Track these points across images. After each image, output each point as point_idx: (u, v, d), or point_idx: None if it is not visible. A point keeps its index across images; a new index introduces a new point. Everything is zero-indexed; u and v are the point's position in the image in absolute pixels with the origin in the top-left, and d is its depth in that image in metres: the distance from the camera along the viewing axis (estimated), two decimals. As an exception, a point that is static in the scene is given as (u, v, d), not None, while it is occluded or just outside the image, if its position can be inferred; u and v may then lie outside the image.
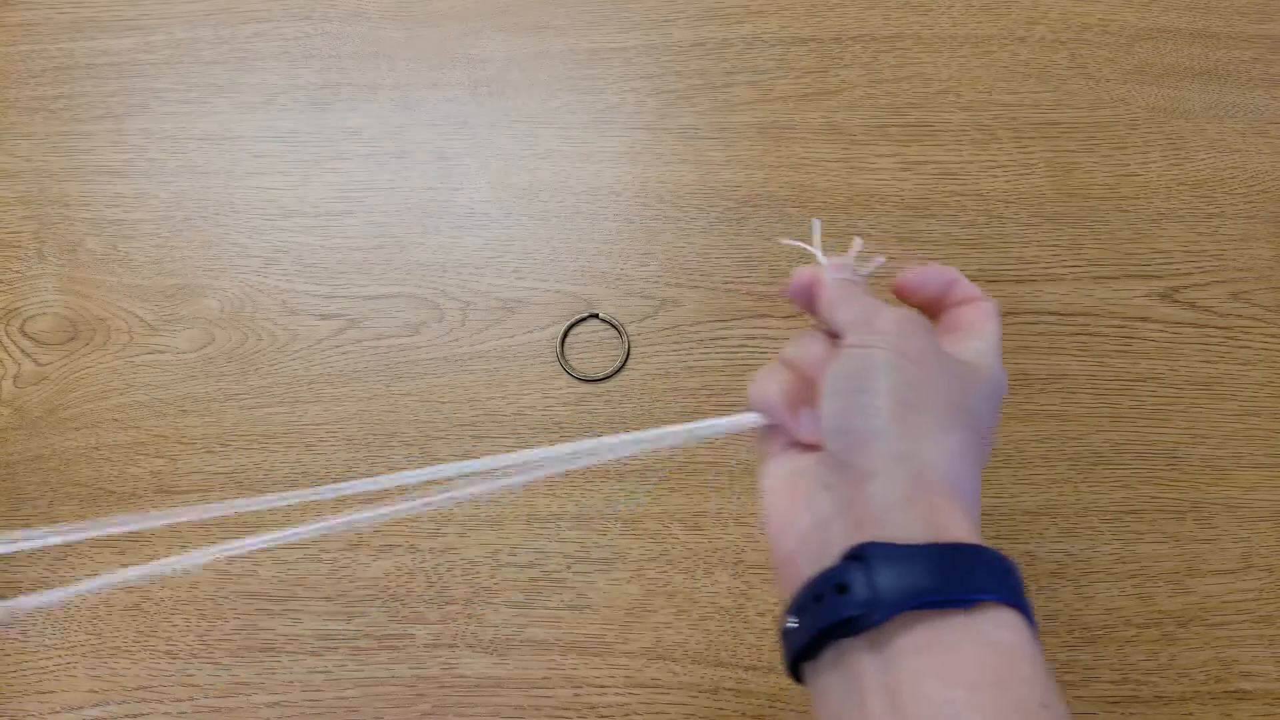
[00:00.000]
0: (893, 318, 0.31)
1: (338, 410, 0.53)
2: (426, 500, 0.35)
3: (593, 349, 0.53)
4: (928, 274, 0.35)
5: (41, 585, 0.50)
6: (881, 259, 0.36)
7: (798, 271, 0.35)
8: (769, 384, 0.33)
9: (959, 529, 0.27)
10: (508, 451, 0.37)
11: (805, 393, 0.32)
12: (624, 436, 0.34)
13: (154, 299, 0.54)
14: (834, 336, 0.33)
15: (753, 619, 0.50)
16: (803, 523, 0.30)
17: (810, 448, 0.31)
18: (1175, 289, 0.54)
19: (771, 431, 0.33)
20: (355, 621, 0.50)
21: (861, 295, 0.33)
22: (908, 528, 0.27)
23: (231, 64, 0.58)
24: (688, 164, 0.56)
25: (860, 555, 0.26)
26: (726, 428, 0.34)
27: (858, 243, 0.36)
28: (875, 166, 0.56)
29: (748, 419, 0.33)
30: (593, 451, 0.34)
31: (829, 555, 0.28)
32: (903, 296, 0.36)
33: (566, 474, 0.52)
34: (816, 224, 0.37)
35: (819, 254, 0.36)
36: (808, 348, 0.33)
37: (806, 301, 0.35)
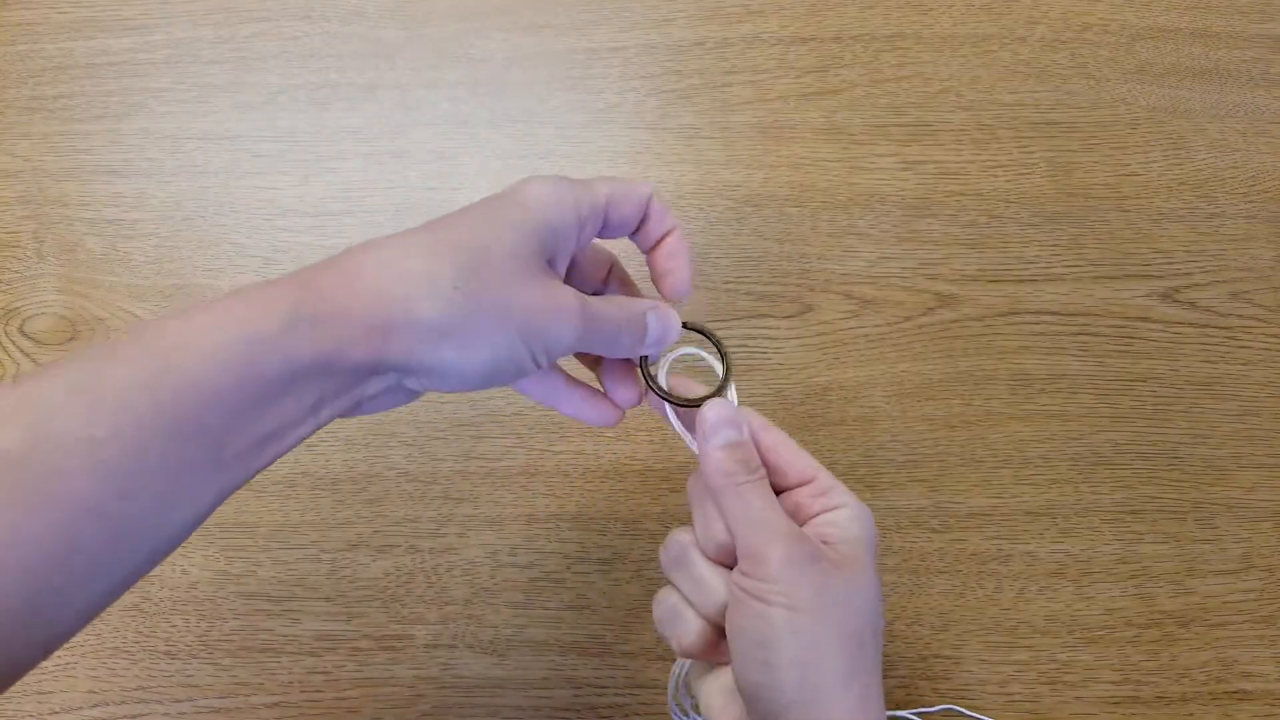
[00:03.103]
0: (783, 560, 0.31)
1: (337, 410, 0.52)
2: None
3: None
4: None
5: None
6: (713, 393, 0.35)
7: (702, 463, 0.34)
8: (684, 635, 0.34)
9: None
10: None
11: (715, 633, 0.34)
12: None
13: (153, 299, 0.54)
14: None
15: (753, 619, 0.50)
16: None
17: None
18: (1176, 289, 0.54)
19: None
20: (355, 622, 0.50)
21: (751, 506, 0.32)
22: None
23: (230, 63, 0.58)
24: (688, 164, 0.56)
25: None
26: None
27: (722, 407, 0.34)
28: (875, 166, 0.56)
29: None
30: None
31: None
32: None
33: (566, 474, 0.52)
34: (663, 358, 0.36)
35: (687, 437, 0.35)
36: (698, 578, 0.34)
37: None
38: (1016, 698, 0.49)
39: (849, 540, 0.33)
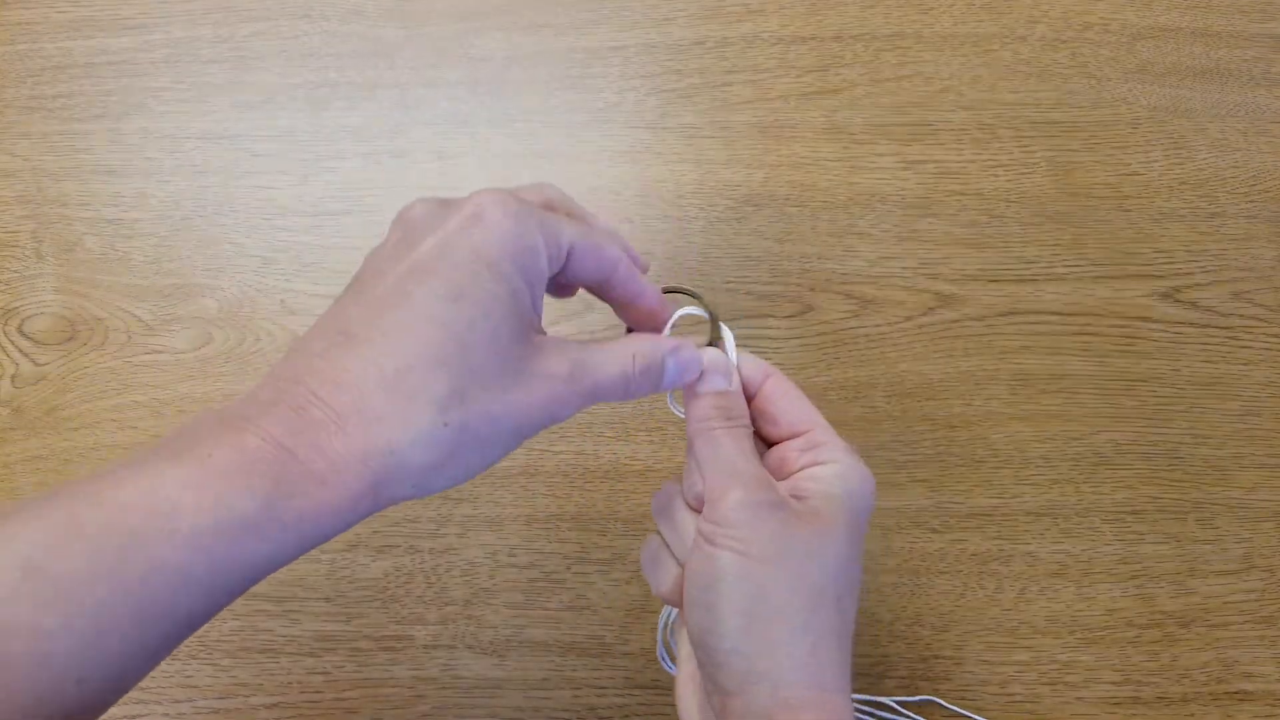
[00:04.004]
0: (738, 503, 0.30)
1: (336, 410, 0.52)
2: None
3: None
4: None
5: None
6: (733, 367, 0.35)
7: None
8: (662, 580, 0.33)
9: None
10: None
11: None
12: None
13: (152, 299, 0.54)
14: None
15: (753, 620, 0.50)
16: None
17: None
18: (1177, 289, 0.54)
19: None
20: (354, 622, 0.50)
21: (720, 449, 0.32)
22: None
23: (230, 63, 0.58)
24: (688, 163, 0.56)
25: None
26: None
27: (728, 339, 0.35)
28: (876, 166, 0.56)
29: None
30: None
31: None
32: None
33: (566, 474, 0.51)
34: (728, 331, 0.36)
35: (677, 409, 0.35)
36: (677, 524, 0.33)
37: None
38: (1017, 698, 0.49)
39: (827, 496, 0.32)
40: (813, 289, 0.54)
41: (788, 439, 0.34)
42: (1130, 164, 0.56)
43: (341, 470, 0.25)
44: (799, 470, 0.33)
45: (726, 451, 0.32)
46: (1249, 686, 0.49)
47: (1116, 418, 0.53)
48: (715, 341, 0.36)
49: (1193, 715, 0.49)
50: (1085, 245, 0.55)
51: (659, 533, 0.35)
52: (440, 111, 0.57)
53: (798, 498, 0.32)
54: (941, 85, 0.57)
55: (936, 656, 0.50)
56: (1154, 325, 0.54)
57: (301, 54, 0.58)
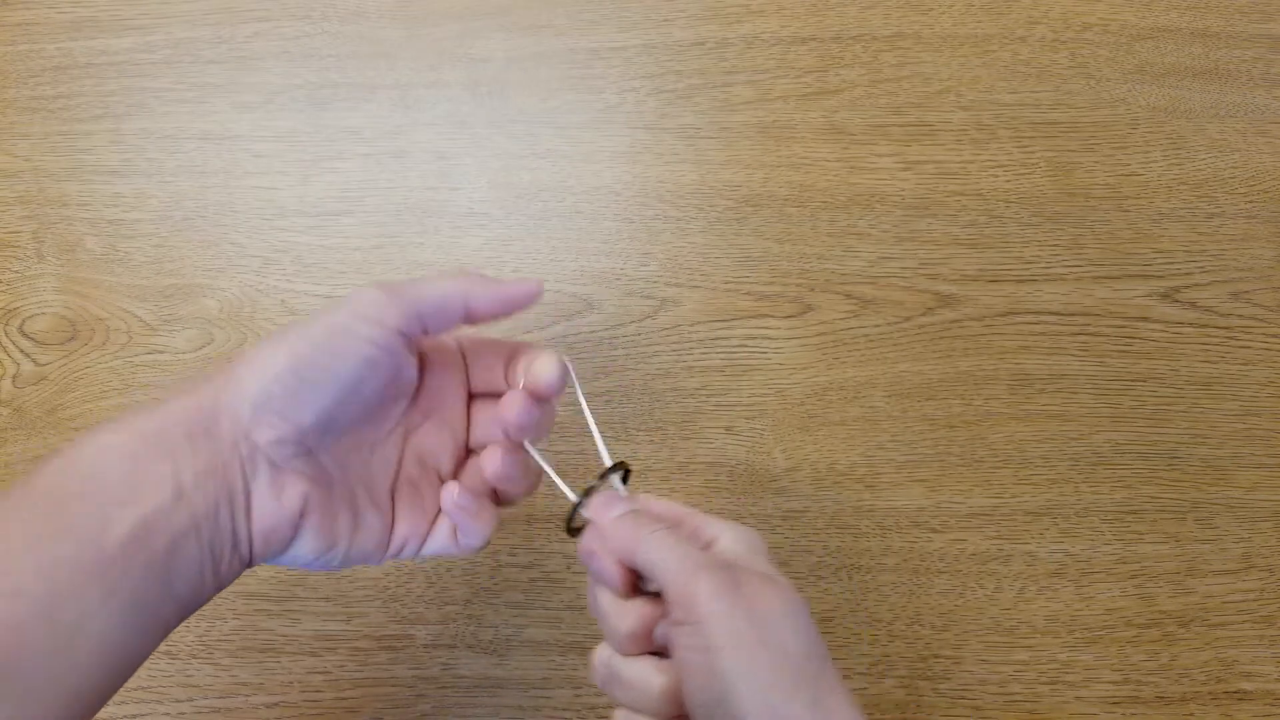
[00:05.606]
0: (710, 594, 0.30)
1: (337, 410, 0.52)
2: None
3: (590, 350, 0.53)
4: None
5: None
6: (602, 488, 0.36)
7: (582, 547, 0.35)
8: (645, 702, 0.33)
9: None
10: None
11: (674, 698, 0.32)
12: None
13: (153, 299, 0.54)
14: (637, 577, 0.33)
15: (753, 619, 0.50)
16: None
17: None
18: (1176, 289, 0.54)
19: None
20: (354, 622, 0.50)
21: (667, 548, 0.32)
22: None
23: (230, 63, 0.58)
24: (688, 164, 0.56)
25: None
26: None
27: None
28: (875, 166, 0.56)
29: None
30: None
31: None
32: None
33: (566, 474, 0.51)
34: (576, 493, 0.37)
35: (571, 495, 0.37)
36: (633, 680, 0.33)
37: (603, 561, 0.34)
38: (1016, 697, 0.49)
39: (744, 559, 0.33)
40: (812, 289, 0.54)
41: None
42: (1129, 164, 0.56)
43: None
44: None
45: (676, 548, 0.32)
46: (1248, 686, 0.49)
47: (1115, 418, 0.53)
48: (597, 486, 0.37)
49: (1192, 715, 0.49)
50: (1084, 245, 0.55)
51: (618, 702, 0.34)
52: (441, 112, 0.57)
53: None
54: (941, 86, 0.57)
55: (936, 656, 0.50)
56: (1153, 325, 0.54)
57: (302, 55, 0.58)
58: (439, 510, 0.37)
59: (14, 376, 0.53)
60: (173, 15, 0.58)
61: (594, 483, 0.37)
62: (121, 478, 0.29)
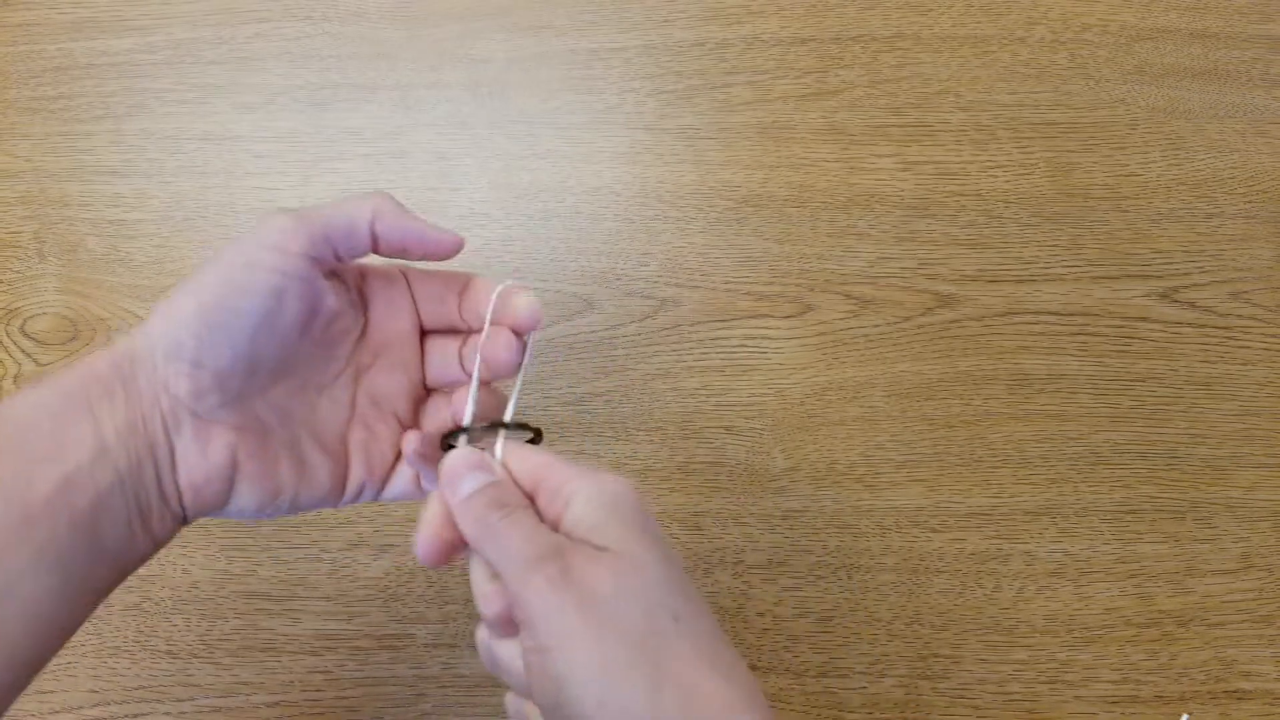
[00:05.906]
0: (537, 592, 0.27)
1: (338, 410, 0.53)
2: None
3: (590, 350, 0.53)
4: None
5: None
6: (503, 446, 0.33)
7: (421, 538, 0.32)
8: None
9: None
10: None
11: None
12: None
13: (154, 299, 0.54)
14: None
15: (752, 619, 0.50)
16: None
17: None
18: (1175, 289, 0.55)
19: None
20: (355, 621, 0.50)
21: (503, 543, 0.29)
22: None
23: (231, 64, 0.58)
24: (687, 164, 0.56)
25: None
26: None
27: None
28: (875, 166, 0.56)
29: None
30: None
31: None
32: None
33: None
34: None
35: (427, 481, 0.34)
36: (507, 663, 0.31)
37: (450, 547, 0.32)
38: (1015, 697, 0.49)
39: (596, 527, 0.29)
40: (812, 289, 0.54)
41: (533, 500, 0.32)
42: (1128, 165, 0.56)
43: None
44: (560, 523, 0.30)
45: (511, 541, 0.29)
46: (1247, 685, 0.49)
47: (1114, 417, 0.53)
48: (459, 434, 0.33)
49: (1191, 714, 0.49)
50: (1083, 246, 0.55)
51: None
52: (441, 113, 0.57)
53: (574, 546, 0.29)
54: (940, 86, 0.57)
55: (935, 655, 0.50)
56: (1152, 325, 0.54)
57: (303, 55, 0.58)
58: (399, 454, 0.35)
59: (15, 377, 0.53)
60: (174, 16, 0.58)
61: (482, 426, 0.33)
62: (44, 435, 0.28)
